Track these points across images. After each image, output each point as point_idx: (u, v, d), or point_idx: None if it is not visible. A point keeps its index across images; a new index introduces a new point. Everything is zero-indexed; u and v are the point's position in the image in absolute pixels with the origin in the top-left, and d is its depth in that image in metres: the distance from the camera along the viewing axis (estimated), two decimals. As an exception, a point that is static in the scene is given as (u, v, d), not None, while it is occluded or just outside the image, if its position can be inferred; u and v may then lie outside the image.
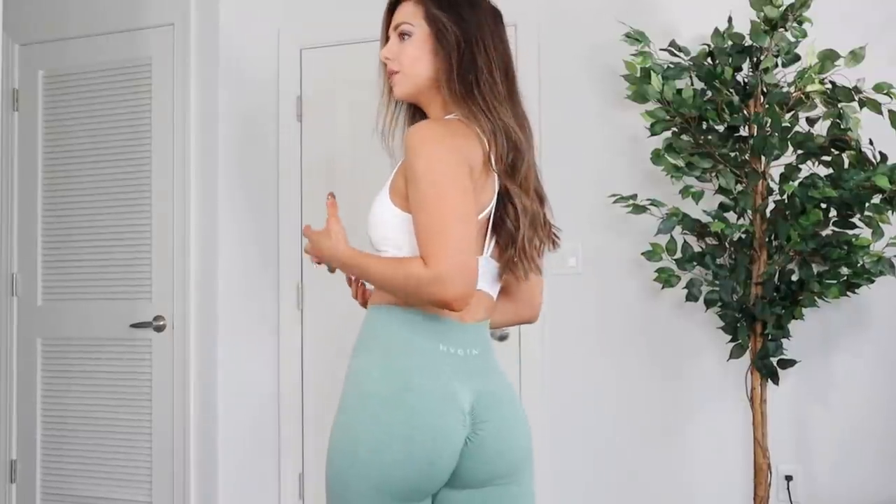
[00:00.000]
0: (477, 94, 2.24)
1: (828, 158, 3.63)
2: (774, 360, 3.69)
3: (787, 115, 3.65)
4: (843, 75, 3.62)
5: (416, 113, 2.42)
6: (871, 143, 3.57)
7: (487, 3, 2.37)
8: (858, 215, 3.58)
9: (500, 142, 2.23)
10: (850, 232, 3.61)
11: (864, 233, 3.61)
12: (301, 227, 4.69)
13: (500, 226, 2.28)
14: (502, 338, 4.29)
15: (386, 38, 2.39)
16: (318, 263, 2.38)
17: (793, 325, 3.72)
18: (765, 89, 3.68)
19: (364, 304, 2.43)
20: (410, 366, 2.19)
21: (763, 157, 3.66)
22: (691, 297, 3.81)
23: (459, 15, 2.29)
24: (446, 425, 2.17)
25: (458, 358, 2.24)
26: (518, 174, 2.28)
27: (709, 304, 3.77)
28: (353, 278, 2.44)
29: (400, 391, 2.17)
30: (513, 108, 2.30)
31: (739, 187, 3.71)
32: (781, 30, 3.65)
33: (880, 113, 3.55)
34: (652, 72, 3.73)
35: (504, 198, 2.27)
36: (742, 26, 3.73)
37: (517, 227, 2.28)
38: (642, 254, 3.89)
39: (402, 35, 2.32)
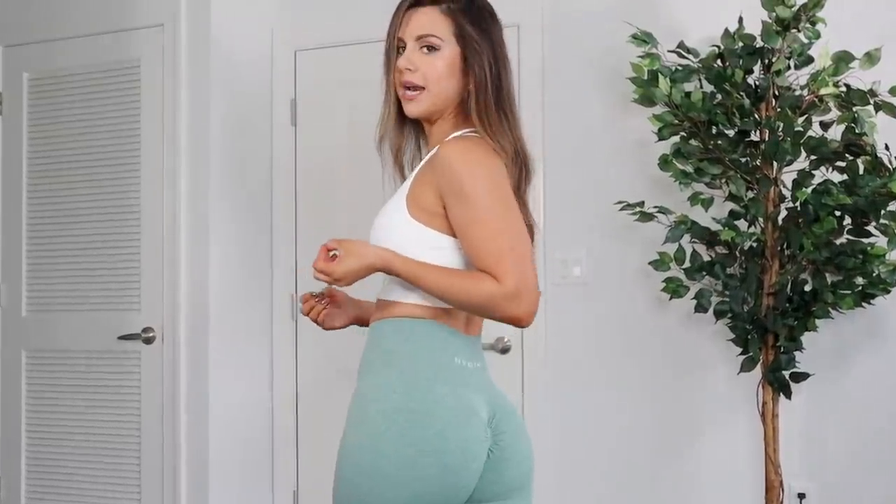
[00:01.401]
0: (502, 116, 2.31)
1: (842, 164, 3.62)
2: (787, 374, 3.68)
3: (800, 119, 3.64)
4: (857, 78, 3.61)
5: (411, 123, 2.42)
6: (886, 147, 3.56)
7: (497, 16, 2.41)
8: (874, 223, 3.57)
9: (519, 165, 2.33)
10: (866, 240, 3.60)
11: (880, 241, 3.59)
12: (295, 234, 4.69)
13: None
14: (504, 350, 4.28)
15: (396, 40, 2.35)
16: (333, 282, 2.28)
17: (806, 337, 3.70)
18: (777, 92, 3.67)
19: (328, 326, 2.50)
20: (434, 379, 2.23)
21: (775, 163, 3.66)
22: (700, 308, 3.80)
23: (487, 32, 2.33)
24: (473, 437, 2.22)
25: (469, 371, 2.30)
26: (525, 192, 2.37)
27: (719, 315, 3.76)
28: (317, 300, 2.45)
29: (428, 404, 2.20)
30: (520, 121, 2.38)
31: (750, 194, 3.70)
32: (794, 31, 3.64)
33: (896, 117, 3.55)
34: (660, 74, 3.72)
35: None
36: (753, 27, 3.72)
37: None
38: (649, 263, 3.88)
39: (429, 48, 2.32)
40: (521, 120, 2.37)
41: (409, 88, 2.33)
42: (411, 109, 2.34)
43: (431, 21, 2.31)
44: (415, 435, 2.17)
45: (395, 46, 2.35)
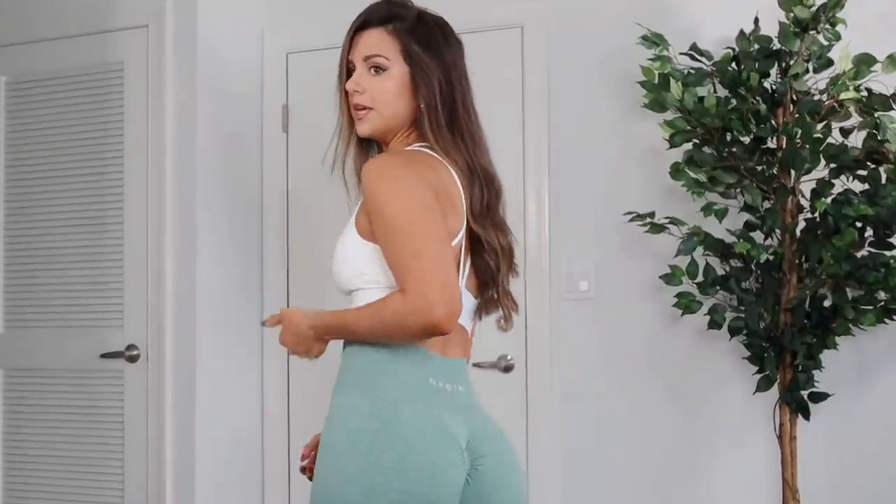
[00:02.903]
0: (457, 136, 2.36)
1: (863, 173, 3.62)
2: (805, 394, 3.68)
3: (819, 126, 3.65)
4: (880, 82, 3.61)
5: (370, 143, 2.50)
6: (910, 155, 3.56)
7: (454, 34, 2.47)
8: (897, 235, 3.57)
9: (478, 185, 2.36)
10: (888, 253, 3.60)
11: (904, 254, 3.60)
12: (287, 246, 4.69)
13: (477, 264, 2.38)
14: (507, 369, 4.27)
15: (348, 63, 2.46)
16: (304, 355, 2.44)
17: (825, 356, 3.70)
18: (794, 97, 3.67)
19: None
20: (401, 399, 2.25)
21: (793, 172, 3.65)
22: (714, 325, 3.79)
23: (437, 52, 2.40)
24: (444, 461, 2.22)
25: (447, 393, 2.31)
26: (495, 214, 2.40)
27: (733, 332, 3.76)
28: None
29: (392, 425, 2.21)
30: (482, 140, 2.43)
31: (767, 204, 3.70)
32: (813, 32, 3.64)
33: (921, 123, 3.55)
34: (671, 78, 3.72)
35: (481, 238, 2.36)
36: (770, 28, 3.71)
37: (498, 268, 2.40)
38: (660, 277, 3.87)
39: (376, 68, 2.40)
40: (482, 139, 2.42)
41: (358, 108, 2.41)
42: (361, 129, 2.43)
43: (378, 41, 2.40)
44: (378, 458, 2.18)
45: (344, 70, 2.46)
